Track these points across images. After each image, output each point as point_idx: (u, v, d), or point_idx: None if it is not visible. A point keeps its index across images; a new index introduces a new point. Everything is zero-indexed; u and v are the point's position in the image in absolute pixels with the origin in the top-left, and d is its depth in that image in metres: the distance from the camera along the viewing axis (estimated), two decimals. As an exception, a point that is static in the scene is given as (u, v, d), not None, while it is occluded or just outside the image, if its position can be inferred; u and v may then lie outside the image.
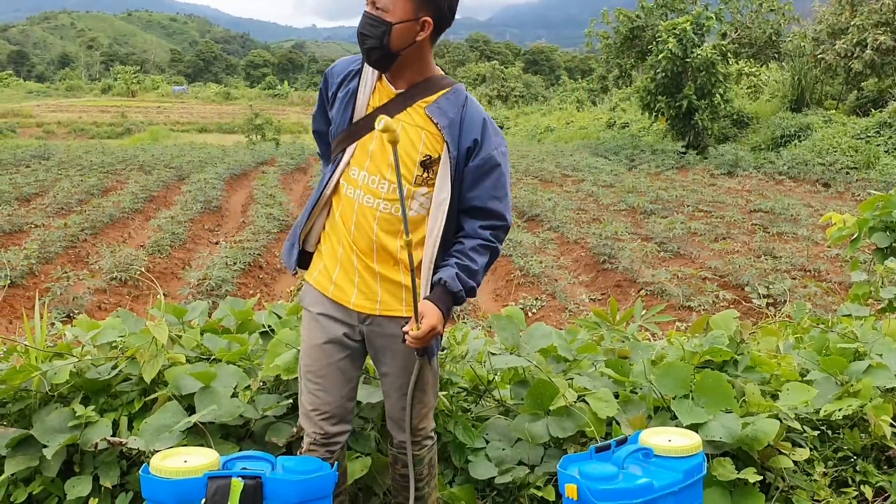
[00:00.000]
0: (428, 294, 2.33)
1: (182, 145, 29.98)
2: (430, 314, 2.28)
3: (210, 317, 3.50)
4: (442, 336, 2.46)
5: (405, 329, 2.29)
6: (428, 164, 2.32)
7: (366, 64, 2.34)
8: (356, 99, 2.36)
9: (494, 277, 10.43)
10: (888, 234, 5.01)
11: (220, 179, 17.92)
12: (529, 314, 8.59)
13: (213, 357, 3.10)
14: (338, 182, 2.40)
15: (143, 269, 9.62)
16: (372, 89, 2.36)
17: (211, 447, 2.57)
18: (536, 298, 9.18)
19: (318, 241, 2.50)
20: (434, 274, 2.34)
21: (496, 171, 2.36)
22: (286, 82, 78.30)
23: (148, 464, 2.18)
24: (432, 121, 2.31)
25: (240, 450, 2.77)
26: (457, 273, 2.31)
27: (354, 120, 2.37)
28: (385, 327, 2.40)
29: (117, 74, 74.96)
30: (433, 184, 2.33)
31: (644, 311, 3.83)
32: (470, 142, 2.32)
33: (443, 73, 2.42)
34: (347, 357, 2.45)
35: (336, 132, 2.42)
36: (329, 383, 2.43)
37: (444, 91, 2.34)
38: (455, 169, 2.31)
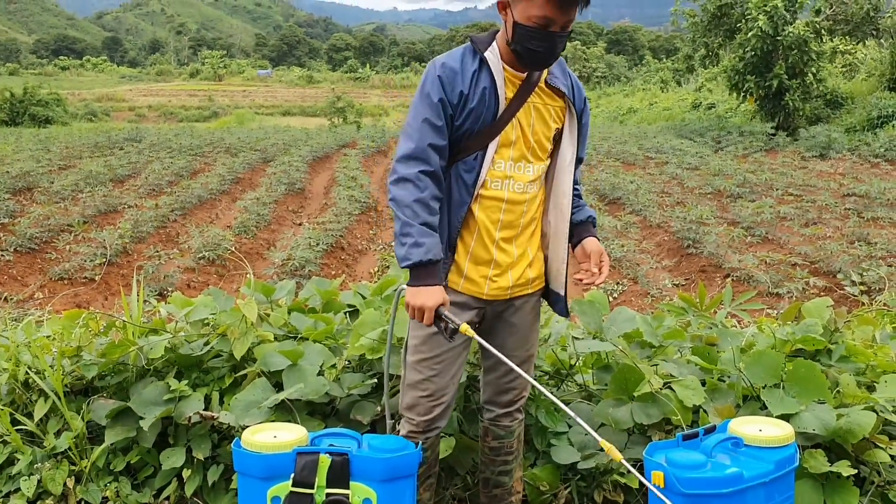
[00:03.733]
0: (584, 235, 2.59)
1: (266, 128, 30.63)
2: (604, 251, 2.56)
3: (297, 296, 3.58)
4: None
5: (583, 279, 2.49)
6: (558, 136, 2.47)
7: (490, 55, 2.33)
8: (496, 93, 2.33)
9: (574, 261, 10.30)
10: None
11: (304, 162, 18.22)
12: (611, 299, 8.48)
13: (299, 335, 3.17)
14: (483, 180, 2.37)
15: (232, 249, 9.90)
16: (503, 80, 2.35)
17: (298, 423, 2.63)
18: (618, 283, 9.05)
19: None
20: (574, 215, 2.55)
21: (588, 126, 2.57)
22: (367, 65, 79.04)
23: (240, 438, 2.25)
24: (556, 91, 2.41)
25: (325, 427, 2.83)
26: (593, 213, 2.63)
27: (499, 115, 2.35)
28: (512, 304, 2.50)
29: (205, 59, 77.13)
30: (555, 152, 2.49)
31: (733, 298, 3.73)
32: (582, 102, 2.51)
33: None
34: (465, 342, 2.47)
35: (474, 131, 2.34)
36: (445, 368, 2.43)
37: None
38: (579, 128, 2.48)
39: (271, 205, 13.22)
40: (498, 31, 2.39)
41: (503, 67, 2.34)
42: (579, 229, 2.57)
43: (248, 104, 48.71)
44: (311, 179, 16.94)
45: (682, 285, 8.97)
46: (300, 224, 12.65)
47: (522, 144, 2.38)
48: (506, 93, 2.34)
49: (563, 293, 2.53)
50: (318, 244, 10.19)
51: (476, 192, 2.37)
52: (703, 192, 13.98)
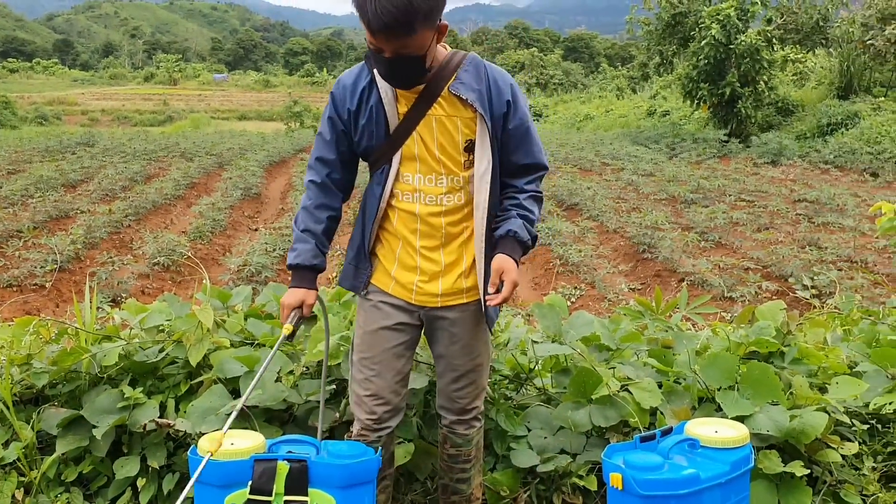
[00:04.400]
0: (497, 251, 2.37)
1: (222, 133, 30.28)
2: (509, 269, 2.32)
3: (253, 302, 3.54)
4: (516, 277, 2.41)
5: (488, 300, 2.31)
6: (471, 147, 2.35)
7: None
8: (384, 110, 2.33)
9: (533, 266, 10.39)
10: (940, 224, 4.88)
11: (260, 167, 18.08)
12: (568, 303, 8.52)
13: (256, 342, 3.14)
14: (392, 193, 2.40)
15: (187, 254, 9.76)
16: (394, 95, 2.32)
17: (256, 430, 2.60)
18: (576, 287, 9.12)
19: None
20: (497, 229, 2.40)
21: (531, 128, 2.42)
22: (325, 70, 78.64)
23: (196, 445, 2.21)
24: (460, 99, 2.30)
25: (283, 434, 2.80)
26: (523, 223, 2.38)
27: (391, 131, 2.34)
28: (446, 312, 2.46)
29: (159, 63, 76.06)
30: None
31: (688, 302, 3.78)
32: (504, 106, 2.35)
33: (447, 48, 2.38)
34: (404, 343, 2.48)
35: (373, 147, 2.38)
36: (384, 368, 2.46)
37: (460, 66, 2.33)
38: (493, 137, 2.33)
39: (227, 210, 13.08)
40: None
41: None
42: (499, 243, 2.39)
43: (204, 108, 48.10)
44: (267, 184, 16.80)
45: (638, 289, 9.07)
46: (256, 229, 12.53)
47: (428, 158, 2.35)
48: (397, 108, 2.32)
49: (482, 302, 2.43)
50: (274, 250, 10.10)
51: (385, 205, 2.41)
52: (658, 198, 14.17)
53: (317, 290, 2.46)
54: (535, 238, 2.43)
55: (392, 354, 2.46)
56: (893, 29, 21.22)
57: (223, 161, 19.34)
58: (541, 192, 2.46)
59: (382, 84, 2.31)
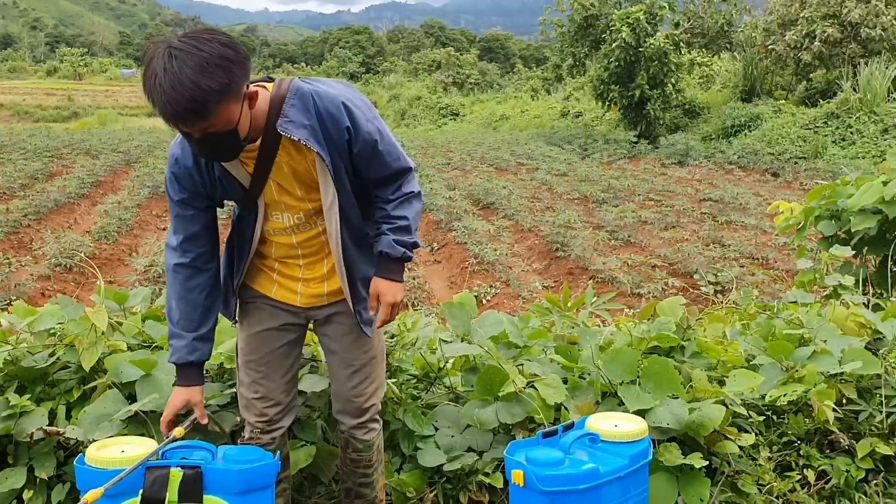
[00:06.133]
0: (375, 272, 2.36)
1: (130, 130, 29.41)
2: (385, 291, 2.32)
3: (153, 303, 3.42)
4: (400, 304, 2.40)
5: (374, 325, 2.35)
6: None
7: None
8: (231, 175, 2.25)
9: (449, 265, 10.42)
10: (834, 222, 5.11)
11: (170, 165, 17.59)
12: (484, 301, 8.59)
13: (155, 344, 3.03)
14: (262, 231, 2.36)
15: (84, 256, 9.39)
16: (237, 162, 2.23)
17: (153, 437, 2.50)
18: (491, 286, 9.18)
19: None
20: (373, 248, 2.38)
21: (380, 142, 2.25)
22: (240, 66, 76.97)
23: (83, 454, 2.11)
24: (294, 141, 2.17)
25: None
26: (393, 239, 2.31)
27: (247, 187, 2.27)
28: (335, 307, 2.44)
29: (63, 56, 73.09)
30: None
31: (595, 298, 3.84)
32: (344, 133, 2.19)
33: (266, 81, 2.24)
34: (290, 341, 2.46)
35: (234, 199, 2.34)
36: (272, 369, 2.43)
37: (284, 101, 2.16)
38: (333, 168, 2.21)
39: (134, 209, 12.69)
40: None
41: None
42: (377, 263, 2.37)
43: (112, 104, 46.49)
44: (178, 183, 16.35)
45: (552, 287, 9.20)
46: (164, 228, 12.17)
47: (290, 199, 2.30)
48: (244, 170, 2.24)
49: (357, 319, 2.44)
50: (184, 250, 9.82)
51: (257, 244, 2.38)
52: (570, 198, 14.42)
53: (202, 383, 2.41)
54: (412, 244, 2.34)
55: (279, 354, 2.43)
56: (793, 34, 22.15)
57: (131, 159, 18.75)
58: (411, 191, 2.35)
59: None
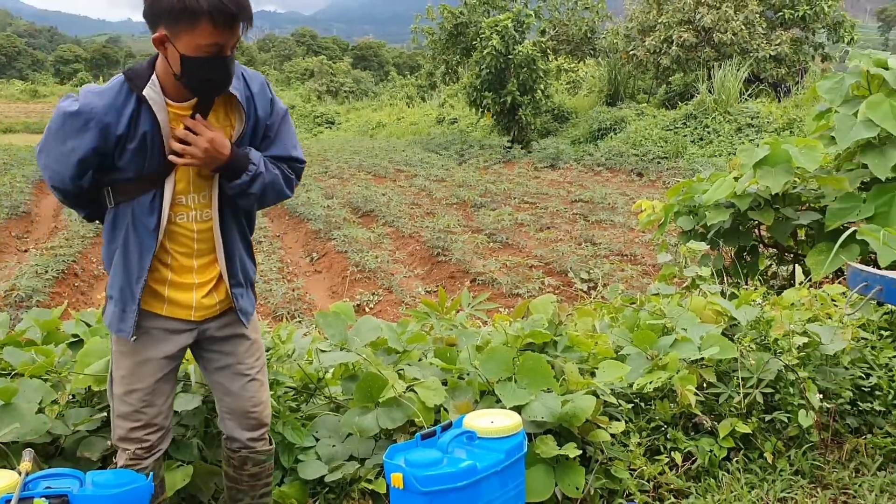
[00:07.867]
0: None
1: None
2: (215, 139, 2.15)
3: (12, 329, 3.25)
4: (219, 156, 2.17)
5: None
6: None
7: (151, 93, 2.10)
8: (160, 135, 2.13)
9: (331, 274, 10.34)
10: (692, 217, 5.41)
11: (29, 183, 16.68)
12: (366, 309, 8.58)
13: (14, 372, 2.87)
14: (168, 218, 2.21)
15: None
16: (167, 116, 2.14)
17: (15, 468, 2.38)
18: (373, 293, 9.18)
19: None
20: None
21: (287, 117, 2.35)
22: (101, 78, 73.73)
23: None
24: (230, 100, 2.21)
25: (49, 468, 2.58)
26: (261, 156, 2.27)
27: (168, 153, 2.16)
28: (228, 315, 2.38)
29: None
30: None
31: (472, 300, 3.92)
32: (267, 105, 2.28)
33: None
34: (175, 366, 2.38)
35: (142, 173, 2.17)
36: (156, 397, 2.33)
37: None
38: (245, 139, 2.26)
39: (-9, 231, 11.93)
40: (156, 59, 2.14)
41: (166, 104, 2.14)
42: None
43: (-41, 121, 43.51)
44: (38, 201, 15.52)
45: (434, 292, 9.28)
46: (26, 250, 11.52)
47: (200, 173, 2.23)
48: (171, 131, 2.15)
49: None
50: (46, 271, 9.34)
51: (161, 236, 2.22)
52: (449, 203, 14.61)
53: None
54: (256, 172, 2.23)
55: (163, 381, 2.34)
56: (652, 40, 23.24)
57: (-16, 178, 17.60)
58: (292, 175, 2.36)
59: (159, 106, 2.11)
